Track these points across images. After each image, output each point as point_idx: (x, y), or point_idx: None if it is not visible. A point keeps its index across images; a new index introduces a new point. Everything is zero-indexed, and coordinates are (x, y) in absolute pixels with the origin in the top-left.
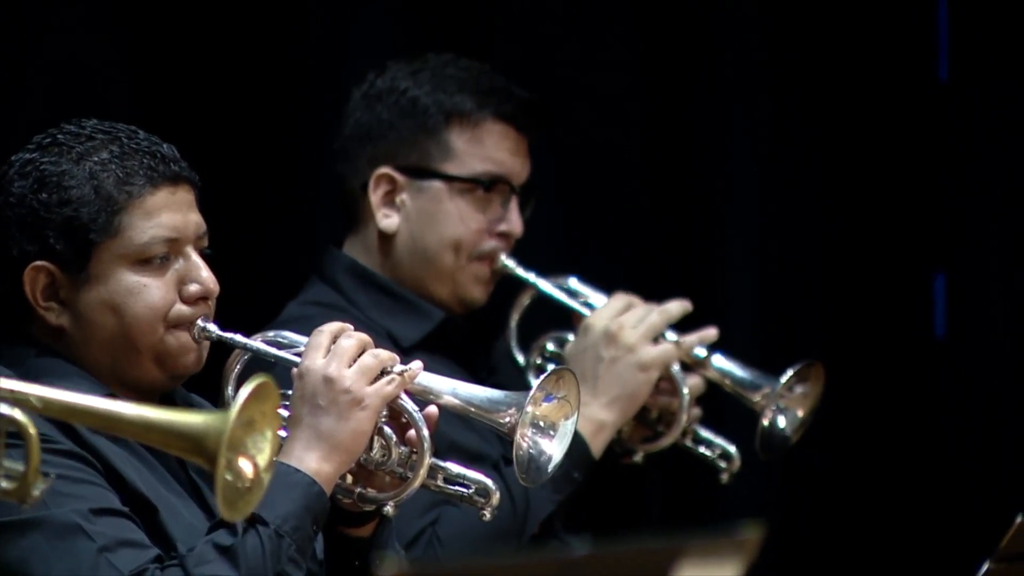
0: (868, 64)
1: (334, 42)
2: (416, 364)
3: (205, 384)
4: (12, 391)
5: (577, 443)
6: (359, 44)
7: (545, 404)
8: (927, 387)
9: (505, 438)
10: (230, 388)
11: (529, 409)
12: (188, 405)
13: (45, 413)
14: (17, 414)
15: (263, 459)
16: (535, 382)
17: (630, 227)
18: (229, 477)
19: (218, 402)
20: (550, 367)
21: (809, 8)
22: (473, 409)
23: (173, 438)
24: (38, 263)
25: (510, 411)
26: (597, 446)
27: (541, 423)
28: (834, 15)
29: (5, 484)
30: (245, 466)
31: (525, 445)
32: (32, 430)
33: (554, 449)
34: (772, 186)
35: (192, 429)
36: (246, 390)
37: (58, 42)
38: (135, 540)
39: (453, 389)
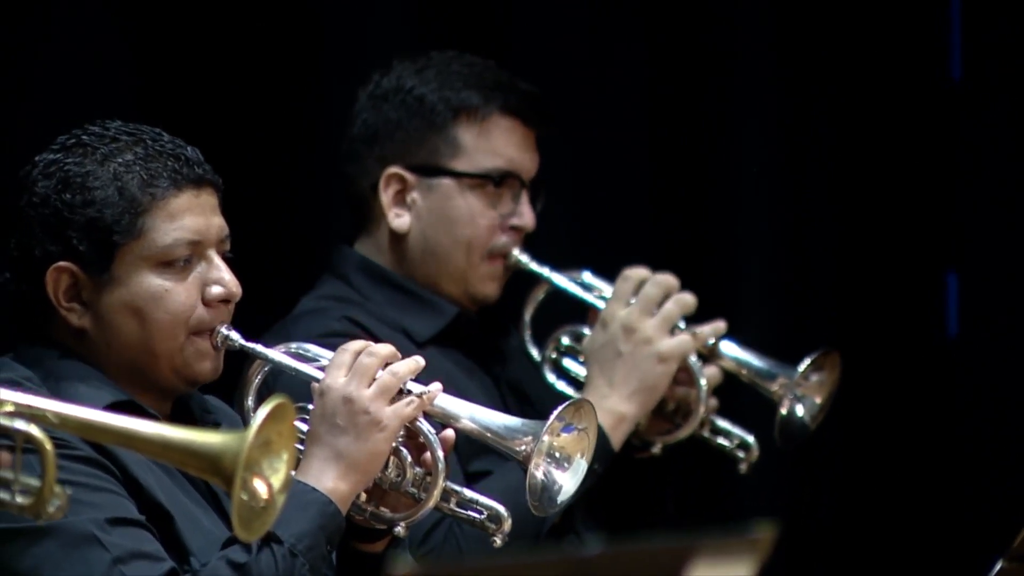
0: (881, 62)
1: (345, 42)
2: (435, 386)
3: (218, 387)
4: (30, 406)
5: (598, 435)
6: (370, 44)
7: (564, 434)
8: (940, 387)
9: (520, 466)
10: (250, 399)
11: (546, 438)
12: (204, 409)
13: (62, 429)
14: (33, 429)
15: (278, 480)
16: (553, 412)
17: (642, 221)
18: (244, 497)
19: (234, 408)
20: (566, 363)
21: (821, 5)
22: (490, 435)
23: (190, 457)
24: (61, 264)
25: (526, 439)
26: (617, 439)
27: (557, 453)
28: (847, 13)
29: (21, 499)
30: (260, 487)
31: (539, 474)
32: (48, 445)
33: (567, 481)
34: (784, 185)
35: (209, 449)
36: (264, 411)
37: (65, 40)
38: (150, 552)
39: (471, 414)
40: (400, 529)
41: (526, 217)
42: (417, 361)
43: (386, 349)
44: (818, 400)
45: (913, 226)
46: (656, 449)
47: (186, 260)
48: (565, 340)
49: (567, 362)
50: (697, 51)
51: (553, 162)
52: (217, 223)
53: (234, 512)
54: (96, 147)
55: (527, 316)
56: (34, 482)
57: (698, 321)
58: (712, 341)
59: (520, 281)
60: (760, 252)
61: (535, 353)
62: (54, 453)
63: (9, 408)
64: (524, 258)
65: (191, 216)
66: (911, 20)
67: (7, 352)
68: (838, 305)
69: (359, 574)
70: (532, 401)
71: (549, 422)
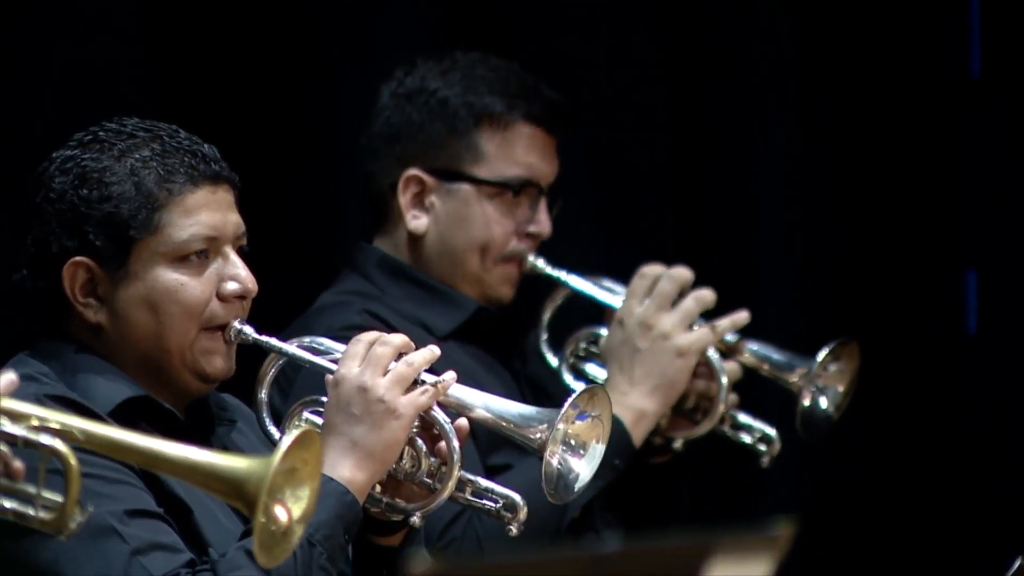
0: (900, 60)
1: (360, 39)
2: (450, 375)
3: (234, 384)
4: (58, 421)
5: (618, 431)
6: (385, 42)
7: (578, 422)
8: (959, 384)
9: (535, 455)
10: (263, 393)
11: (561, 426)
12: (220, 407)
13: (88, 447)
14: (59, 445)
15: (298, 510)
16: (567, 400)
17: (659, 220)
18: (263, 519)
19: (251, 404)
20: (585, 366)
21: (838, 5)
22: (504, 424)
23: (214, 480)
24: (77, 259)
25: (541, 427)
26: (638, 435)
27: (572, 441)
28: (864, 12)
29: (43, 515)
30: (280, 513)
31: (554, 462)
32: (73, 461)
33: (583, 468)
34: (802, 183)
35: (234, 473)
36: (290, 438)
37: (81, 38)
38: (168, 543)
39: (485, 403)
40: (416, 519)
41: (543, 224)
42: (432, 351)
43: (399, 339)
44: (840, 388)
45: (932, 223)
46: (677, 445)
47: (203, 256)
48: (583, 343)
49: (587, 366)
50: (714, 52)
51: (570, 164)
52: (233, 219)
53: (255, 537)
54: (113, 143)
55: (544, 320)
56: (57, 498)
57: (716, 317)
58: (732, 334)
59: (538, 283)
60: (778, 251)
61: (551, 359)
62: (78, 470)
63: (34, 422)
64: (540, 263)
65: (207, 212)
66: (930, 19)
67: (24, 348)
68: (857, 303)
69: (375, 568)
70: (552, 397)
71: (563, 409)
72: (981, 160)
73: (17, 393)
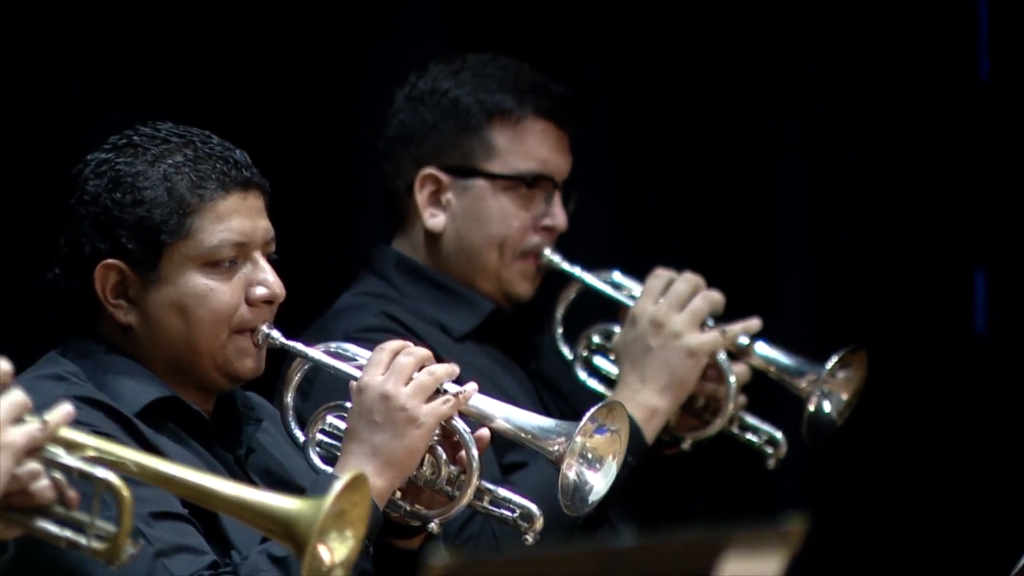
0: (910, 62)
1: (381, 42)
2: (471, 386)
3: (259, 384)
4: (116, 455)
5: (631, 428)
6: (406, 44)
7: (596, 436)
8: (968, 382)
9: (552, 466)
10: (289, 397)
11: (578, 439)
12: (247, 406)
13: (140, 479)
14: (113, 478)
15: (340, 554)
16: (586, 413)
17: (676, 221)
18: (310, 559)
19: (274, 404)
20: (597, 360)
21: (853, 7)
22: (523, 435)
23: (264, 520)
24: (109, 261)
25: (559, 440)
26: (650, 432)
27: (589, 454)
28: (877, 13)
29: (96, 544)
30: (324, 553)
31: (571, 474)
32: (126, 493)
33: (598, 482)
34: (816, 184)
35: (284, 514)
36: (340, 483)
37: (110, 43)
38: (192, 546)
39: (505, 414)
40: (434, 526)
41: (558, 218)
42: (453, 368)
43: (423, 351)
44: (845, 396)
45: (942, 223)
46: (685, 445)
47: (232, 261)
48: (596, 338)
49: (598, 360)
50: (732, 52)
51: (588, 162)
52: (263, 225)
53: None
54: (147, 148)
55: (558, 315)
56: (110, 528)
57: (731, 320)
58: (743, 339)
59: (552, 280)
60: (791, 249)
61: (566, 352)
62: (132, 502)
63: (90, 453)
64: (556, 258)
65: (238, 218)
66: (939, 22)
67: (55, 346)
68: (868, 301)
69: (395, 570)
70: (566, 396)
71: (582, 423)
72: (990, 161)
73: (46, 392)
